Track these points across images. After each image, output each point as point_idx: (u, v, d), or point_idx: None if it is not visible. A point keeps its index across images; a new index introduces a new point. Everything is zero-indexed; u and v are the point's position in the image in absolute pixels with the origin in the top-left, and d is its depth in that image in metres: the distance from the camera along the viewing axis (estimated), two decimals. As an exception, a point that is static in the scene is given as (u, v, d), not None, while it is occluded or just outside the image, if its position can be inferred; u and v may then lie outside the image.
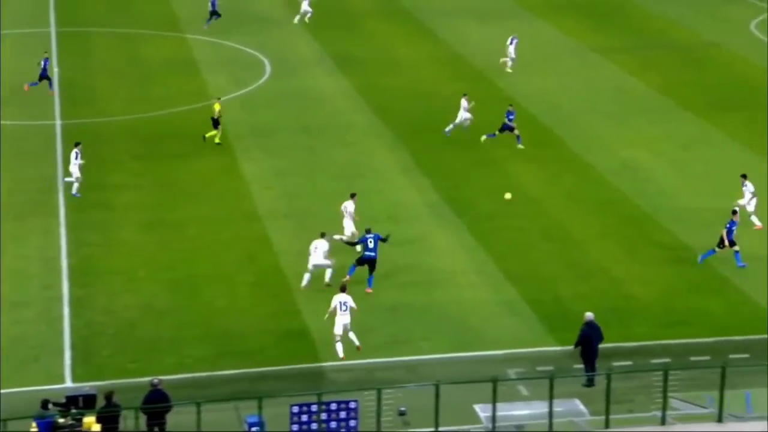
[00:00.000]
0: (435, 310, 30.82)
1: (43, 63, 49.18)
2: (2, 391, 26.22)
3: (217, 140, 42.99)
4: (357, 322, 28.59)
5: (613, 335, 28.04)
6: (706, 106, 48.20)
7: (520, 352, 28.79)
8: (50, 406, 23.49)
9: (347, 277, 31.42)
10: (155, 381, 23.86)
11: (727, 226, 32.95)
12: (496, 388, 23.47)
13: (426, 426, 23.66)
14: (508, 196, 37.54)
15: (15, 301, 31.10)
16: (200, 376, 27.57)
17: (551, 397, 23.62)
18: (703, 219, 36.53)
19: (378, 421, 23.40)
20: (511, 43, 52.92)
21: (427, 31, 60.60)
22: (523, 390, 26.34)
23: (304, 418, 23.17)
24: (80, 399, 23.90)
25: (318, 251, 31.59)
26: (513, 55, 52.67)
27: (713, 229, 35.29)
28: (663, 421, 23.90)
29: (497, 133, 42.95)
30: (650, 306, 31.24)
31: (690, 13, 63.72)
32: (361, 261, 31.71)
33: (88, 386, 25.34)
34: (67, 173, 38.89)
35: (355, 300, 28.71)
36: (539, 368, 27.51)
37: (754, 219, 35.72)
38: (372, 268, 31.60)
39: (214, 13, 59.76)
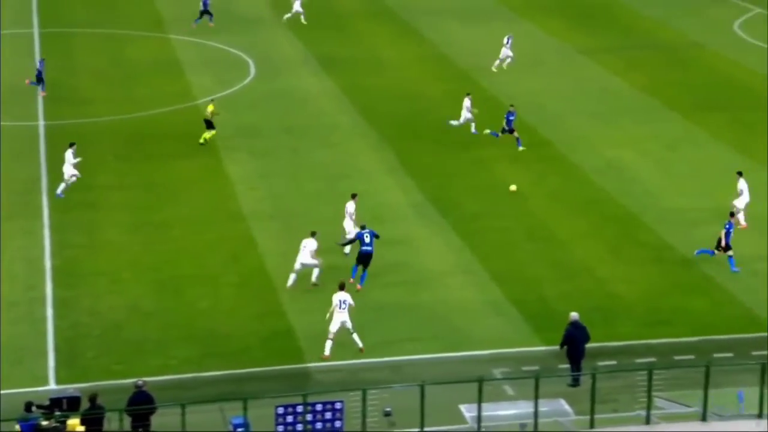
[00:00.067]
0: (420, 311, 30.81)
1: (38, 64, 49.11)
2: (-14, 393, 26.12)
3: (201, 140, 42.88)
4: (342, 323, 28.62)
5: (597, 335, 28.08)
6: (691, 106, 48.35)
7: (505, 352, 28.82)
8: (34, 408, 23.38)
9: (351, 279, 31.48)
10: (140, 382, 23.78)
11: (726, 227, 32.92)
12: (481, 388, 23.47)
13: (411, 426, 23.64)
14: (513, 187, 37.72)
15: (-2, 303, 30.98)
16: (185, 378, 27.50)
17: (536, 397, 23.65)
18: (687, 219, 36.67)
19: (363, 422, 23.37)
20: (507, 43, 52.97)
21: (412, 31, 60.60)
22: (508, 390, 26.36)
23: (290, 419, 23.13)
24: (64, 401, 23.81)
25: (305, 250, 31.59)
26: (510, 53, 52.74)
27: (698, 228, 35.47)
28: (648, 421, 23.96)
29: (500, 134, 42.82)
30: (634, 305, 31.32)
31: (675, 14, 63.87)
32: (359, 258, 31.80)
33: (72, 388, 25.20)
34: (54, 174, 38.69)
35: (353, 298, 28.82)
36: (525, 368, 27.54)
37: (740, 217, 35.76)
38: (367, 264, 31.73)
39: (206, 12, 59.71)
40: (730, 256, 32.94)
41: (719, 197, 37.34)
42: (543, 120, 46.15)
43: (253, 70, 53.28)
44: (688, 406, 24.55)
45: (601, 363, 27.22)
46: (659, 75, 52.82)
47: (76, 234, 35.56)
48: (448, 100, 48.67)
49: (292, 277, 31.69)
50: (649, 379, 23.84)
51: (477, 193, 38.89)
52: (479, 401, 23.54)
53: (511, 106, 43.53)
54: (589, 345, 27.18)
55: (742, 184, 36.16)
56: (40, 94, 48.77)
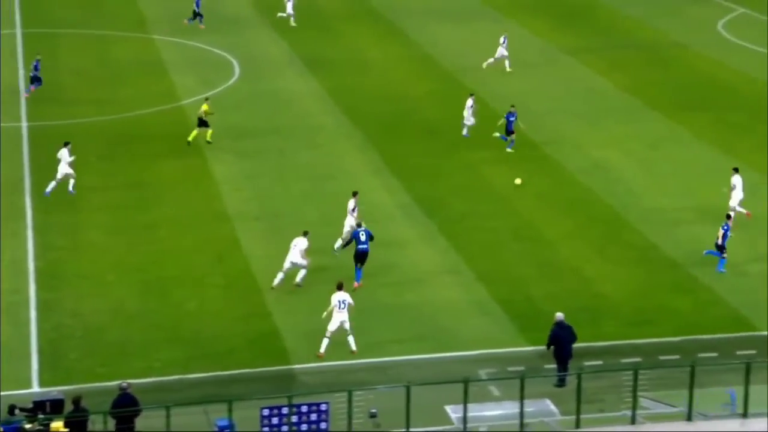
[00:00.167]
0: (406, 311, 30.77)
1: (34, 64, 48.91)
2: (-32, 396, 25.93)
3: (189, 138, 42.72)
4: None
5: (583, 335, 28.09)
6: (674, 105, 48.47)
7: (491, 352, 28.80)
8: (17, 411, 23.26)
9: (355, 283, 31.40)
10: (124, 385, 23.67)
11: (723, 228, 32.89)
12: (467, 388, 23.47)
13: (397, 427, 23.62)
14: (518, 181, 37.98)
15: (-19, 305, 30.78)
16: (170, 380, 27.39)
17: (522, 398, 23.64)
18: (671, 218, 36.76)
19: (349, 423, 23.33)
20: (503, 42, 52.99)
21: (397, 31, 60.59)
22: (494, 390, 26.35)
23: (275, 420, 23.09)
24: (47, 404, 23.71)
25: (295, 249, 31.52)
26: (506, 53, 52.75)
27: (680, 228, 35.56)
28: (633, 420, 23.99)
29: (507, 136, 42.77)
30: (620, 305, 31.36)
31: (657, 13, 64.06)
32: (356, 256, 31.81)
33: (55, 391, 25.10)
34: (38, 175, 38.49)
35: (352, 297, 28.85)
36: (510, 368, 27.52)
37: (740, 209, 35.75)
38: (363, 262, 31.76)
39: (199, 15, 59.71)
40: (722, 258, 32.96)
41: (702, 196, 37.46)
42: (527, 120, 46.10)
43: (237, 70, 53.16)
44: (674, 406, 24.59)
45: (587, 363, 27.24)
46: (642, 75, 52.94)
47: (59, 236, 35.38)
48: (432, 101, 48.72)
49: (280, 276, 31.60)
50: (635, 379, 23.86)
51: (463, 193, 38.88)
52: (465, 402, 23.52)
53: (512, 106, 43.32)
54: (575, 345, 27.20)
55: (736, 180, 36.21)
56: (23, 95, 48.54)
